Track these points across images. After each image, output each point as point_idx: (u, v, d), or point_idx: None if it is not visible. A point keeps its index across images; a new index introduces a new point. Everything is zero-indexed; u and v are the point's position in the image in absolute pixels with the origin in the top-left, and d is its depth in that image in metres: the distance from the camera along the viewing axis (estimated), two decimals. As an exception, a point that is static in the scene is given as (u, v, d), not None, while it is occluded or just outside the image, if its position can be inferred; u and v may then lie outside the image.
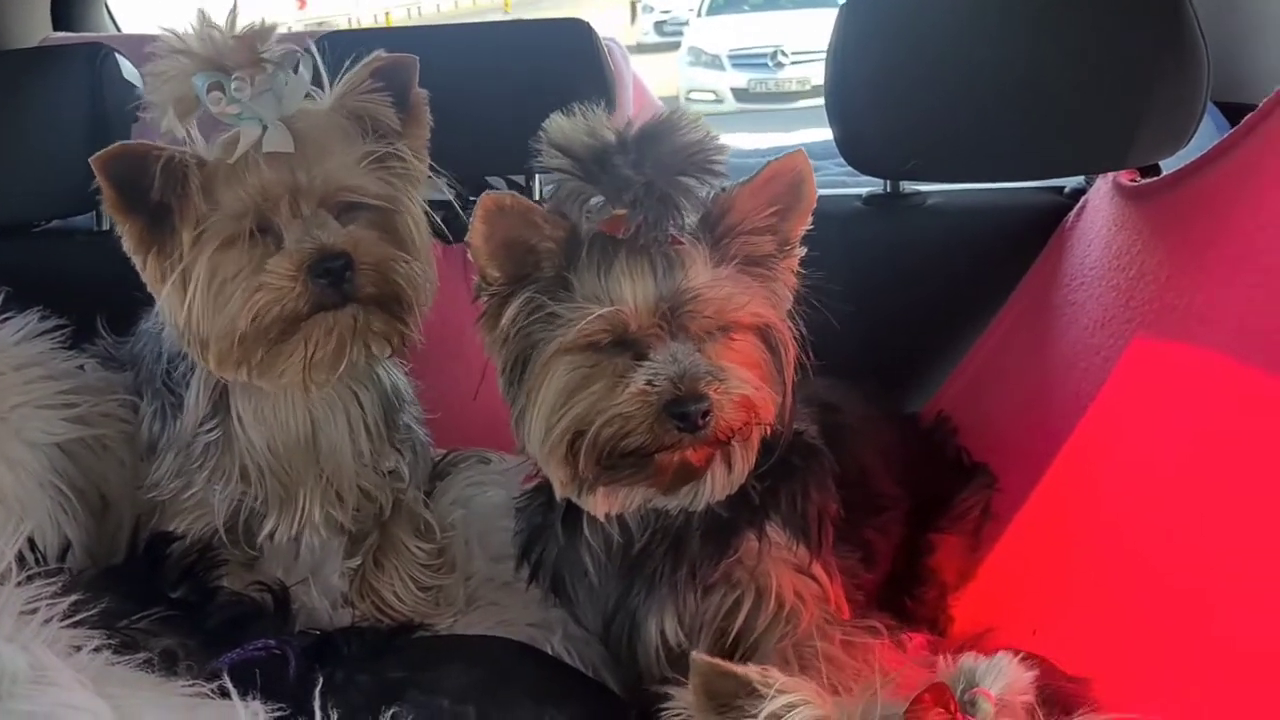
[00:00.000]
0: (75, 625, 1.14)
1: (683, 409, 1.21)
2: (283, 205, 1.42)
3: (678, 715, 0.98)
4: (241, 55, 1.39)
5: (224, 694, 1.12)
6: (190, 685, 1.14)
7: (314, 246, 1.42)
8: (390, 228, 1.51)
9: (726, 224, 1.28)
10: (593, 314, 1.23)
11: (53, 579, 1.22)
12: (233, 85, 1.37)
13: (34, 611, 1.13)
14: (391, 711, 1.17)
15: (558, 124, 1.26)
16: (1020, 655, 0.92)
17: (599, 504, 1.32)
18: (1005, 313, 2.00)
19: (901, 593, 1.62)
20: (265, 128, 1.39)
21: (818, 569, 1.41)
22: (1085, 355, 1.70)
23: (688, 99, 9.45)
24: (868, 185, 2.12)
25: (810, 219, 1.33)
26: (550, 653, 1.52)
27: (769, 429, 1.31)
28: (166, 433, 1.61)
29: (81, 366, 1.75)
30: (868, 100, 1.87)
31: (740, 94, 9.46)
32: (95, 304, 1.78)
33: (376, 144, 1.48)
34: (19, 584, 1.17)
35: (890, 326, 1.92)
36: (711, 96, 9.56)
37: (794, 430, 1.39)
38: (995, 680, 0.87)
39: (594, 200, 1.26)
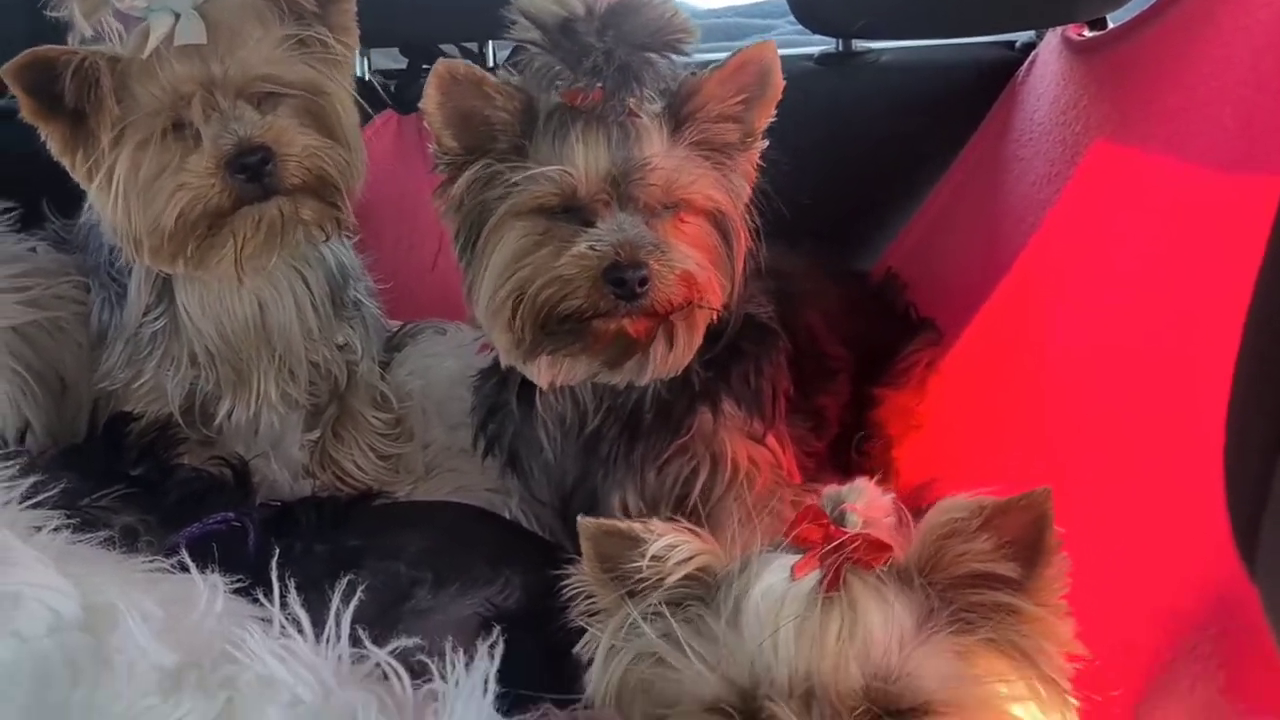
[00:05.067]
0: (35, 506, 1.15)
1: (620, 274, 1.22)
2: (196, 100, 1.39)
3: (577, 588, 0.99)
4: None
5: (184, 568, 1.12)
6: (150, 561, 1.15)
7: (231, 142, 1.39)
8: (315, 113, 1.47)
9: (691, 107, 1.28)
10: (541, 175, 1.24)
11: (11, 462, 1.23)
12: None
13: (-7, 495, 1.13)
14: (347, 578, 1.15)
15: None
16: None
17: (542, 373, 1.34)
18: (956, 168, 2.01)
19: (848, 447, 1.65)
20: (177, 17, 1.35)
21: (771, 439, 1.44)
22: (1033, 209, 1.71)
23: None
24: (820, 44, 2.11)
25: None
26: (508, 517, 1.55)
27: (715, 315, 1.32)
28: (114, 322, 1.61)
29: (33, 249, 1.73)
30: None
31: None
32: (41, 186, 1.75)
33: (296, 26, 1.44)
34: (-24, 470, 1.18)
35: (844, 184, 1.92)
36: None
37: (746, 313, 1.41)
38: (859, 498, 0.92)
39: (560, 77, 1.25)
